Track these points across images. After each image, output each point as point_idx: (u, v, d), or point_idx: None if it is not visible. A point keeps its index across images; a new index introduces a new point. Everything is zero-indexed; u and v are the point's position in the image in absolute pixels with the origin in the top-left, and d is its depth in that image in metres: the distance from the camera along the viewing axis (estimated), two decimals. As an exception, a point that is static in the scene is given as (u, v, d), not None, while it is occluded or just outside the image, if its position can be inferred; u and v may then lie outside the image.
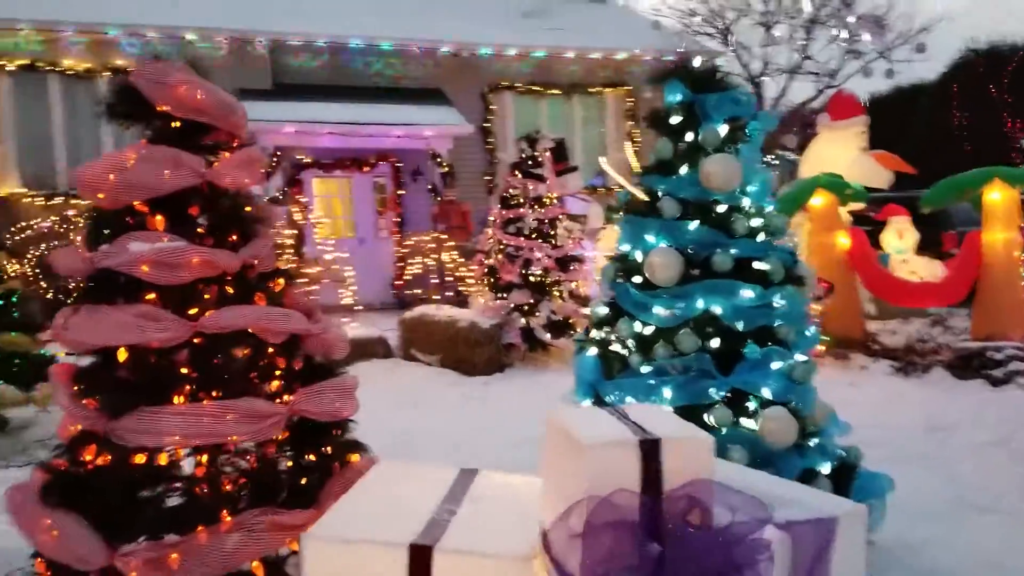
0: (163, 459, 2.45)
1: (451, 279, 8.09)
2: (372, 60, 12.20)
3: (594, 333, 3.40)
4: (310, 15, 12.12)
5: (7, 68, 10.37)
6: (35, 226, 9.47)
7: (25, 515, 2.37)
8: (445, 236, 9.29)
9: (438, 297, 7.80)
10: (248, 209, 2.71)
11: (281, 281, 2.84)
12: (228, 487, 2.53)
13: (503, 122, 13.10)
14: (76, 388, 2.42)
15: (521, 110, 13.26)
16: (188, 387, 2.44)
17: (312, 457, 2.64)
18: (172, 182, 2.51)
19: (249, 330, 2.54)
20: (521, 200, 7.65)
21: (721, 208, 3.15)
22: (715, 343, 3.02)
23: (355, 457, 2.82)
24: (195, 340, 2.48)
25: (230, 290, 2.57)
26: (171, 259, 2.44)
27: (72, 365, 2.52)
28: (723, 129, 3.15)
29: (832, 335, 6.89)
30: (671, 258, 3.03)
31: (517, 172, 7.75)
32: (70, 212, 10.09)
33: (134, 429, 2.34)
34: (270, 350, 2.61)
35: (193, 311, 2.47)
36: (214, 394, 2.49)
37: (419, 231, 11.21)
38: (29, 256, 9.17)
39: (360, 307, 8.33)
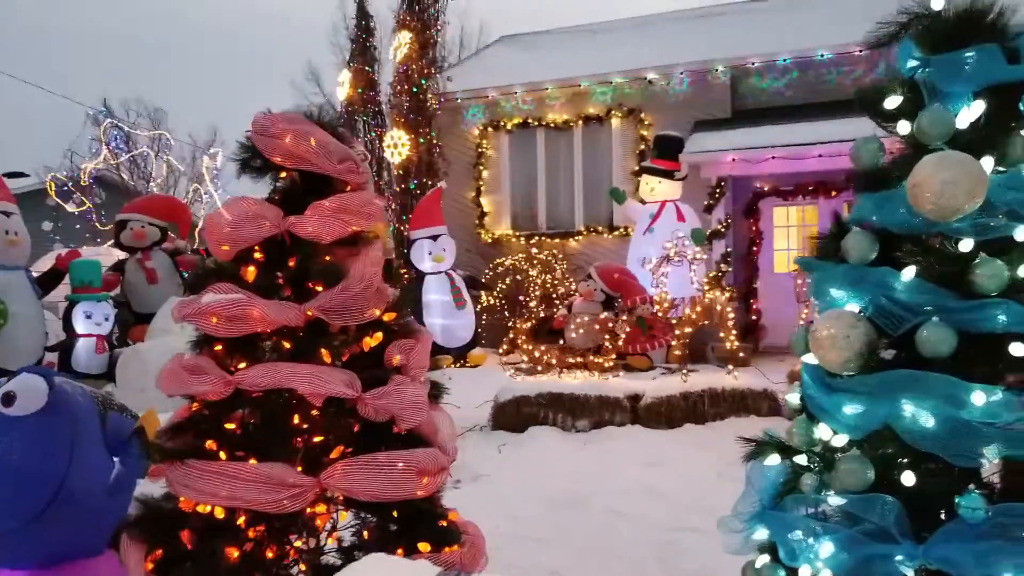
0: (219, 513, 2.45)
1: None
2: (843, 71, 10.80)
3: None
4: (772, 34, 11.34)
5: (507, 127, 12.17)
6: (503, 263, 10.87)
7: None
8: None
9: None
10: (328, 259, 2.57)
11: (379, 335, 2.64)
12: (270, 555, 2.43)
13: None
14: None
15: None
16: (232, 445, 2.41)
17: (333, 539, 2.35)
18: (248, 234, 2.53)
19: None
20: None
21: (965, 245, 1.82)
22: (908, 479, 1.75)
23: (424, 547, 2.43)
24: (255, 396, 2.45)
25: (287, 344, 2.47)
26: (232, 311, 2.45)
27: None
28: (969, 110, 1.83)
29: None
30: (842, 328, 1.86)
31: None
32: (533, 249, 11.31)
33: (177, 480, 2.40)
34: (314, 412, 2.42)
35: (243, 365, 2.43)
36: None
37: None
38: (499, 289, 10.58)
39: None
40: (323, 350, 2.47)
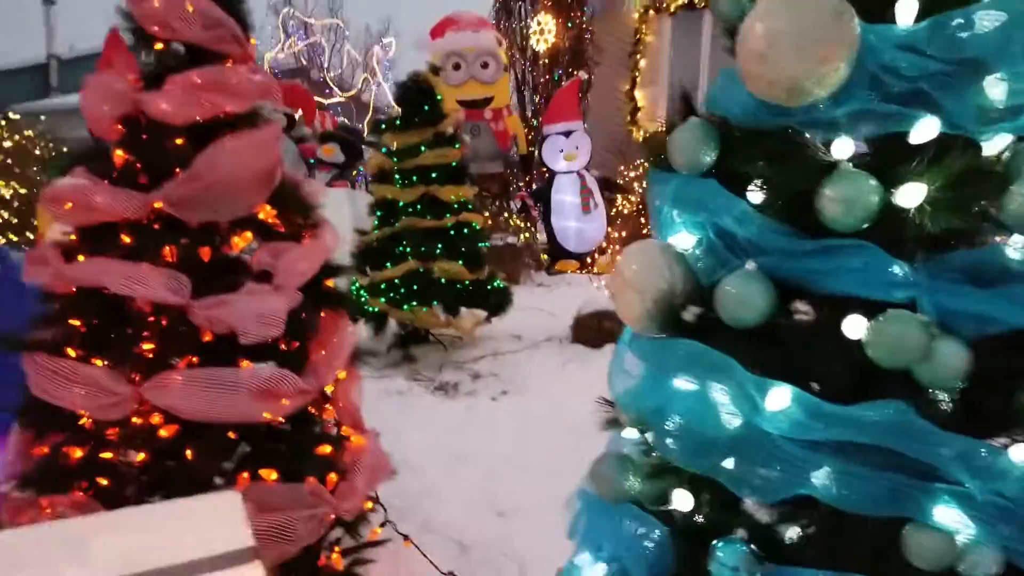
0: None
1: None
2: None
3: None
4: None
5: (670, 9, 10.97)
6: (643, 163, 9.97)
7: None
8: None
9: None
10: (180, 142, 2.23)
11: (249, 235, 2.31)
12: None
13: None
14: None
15: None
16: (79, 344, 2.23)
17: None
18: (103, 110, 2.26)
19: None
20: None
21: (840, 149, 1.11)
22: (684, 501, 1.15)
23: (268, 474, 2.18)
24: (106, 293, 2.24)
25: (127, 239, 2.20)
26: (77, 198, 2.22)
27: None
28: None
29: None
30: (640, 269, 1.24)
31: None
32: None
33: (28, 374, 2.27)
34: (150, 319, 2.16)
35: (81, 258, 2.21)
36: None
37: None
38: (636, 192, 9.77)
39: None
40: (167, 248, 2.19)
